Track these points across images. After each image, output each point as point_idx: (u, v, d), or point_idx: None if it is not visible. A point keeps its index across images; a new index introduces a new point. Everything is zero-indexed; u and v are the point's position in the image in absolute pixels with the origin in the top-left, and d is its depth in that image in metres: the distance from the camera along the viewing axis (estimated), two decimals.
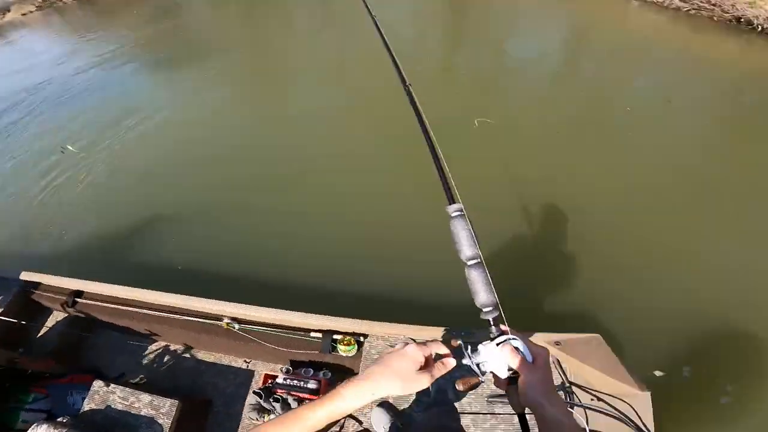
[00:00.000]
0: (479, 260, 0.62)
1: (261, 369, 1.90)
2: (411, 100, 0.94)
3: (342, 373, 1.74)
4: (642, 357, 2.32)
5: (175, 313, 1.77)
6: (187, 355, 1.97)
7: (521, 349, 0.56)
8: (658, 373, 2.25)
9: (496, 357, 0.56)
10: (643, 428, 1.18)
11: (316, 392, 1.60)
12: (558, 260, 2.91)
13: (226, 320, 1.72)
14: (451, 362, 0.57)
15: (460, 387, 0.60)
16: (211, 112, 5.18)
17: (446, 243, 0.67)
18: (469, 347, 0.59)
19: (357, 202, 3.42)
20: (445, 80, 5.68)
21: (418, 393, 1.47)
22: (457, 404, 1.43)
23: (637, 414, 1.23)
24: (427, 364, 0.56)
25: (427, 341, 0.58)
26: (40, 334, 1.99)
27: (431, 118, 0.92)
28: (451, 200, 0.68)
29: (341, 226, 3.21)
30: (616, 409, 1.26)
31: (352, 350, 1.62)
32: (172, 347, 1.98)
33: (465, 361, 0.59)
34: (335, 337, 1.65)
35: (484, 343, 0.59)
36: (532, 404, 0.55)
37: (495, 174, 3.52)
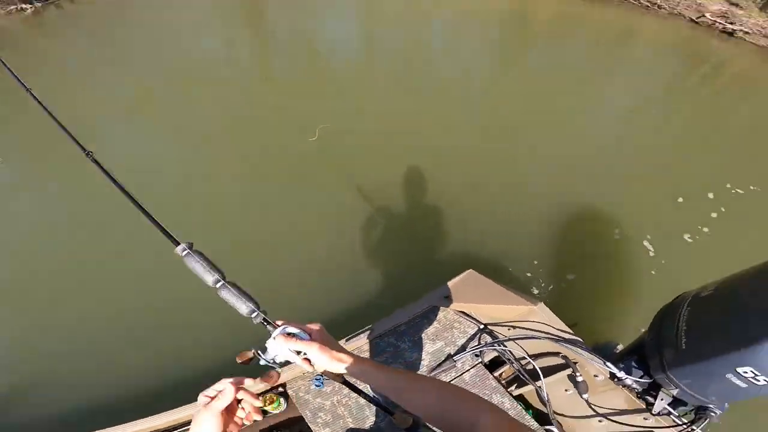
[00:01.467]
0: (222, 281, 0.66)
1: None
2: (100, 167, 0.91)
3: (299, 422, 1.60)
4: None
5: None
6: None
7: (296, 332, 0.64)
8: (570, 276, 2.79)
9: (281, 348, 0.62)
10: (557, 332, 1.40)
11: None
12: (409, 224, 3.14)
13: None
14: (226, 395, 0.56)
15: (265, 380, 0.65)
16: None
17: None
18: (260, 351, 0.65)
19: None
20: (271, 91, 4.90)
21: None
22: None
23: (547, 324, 1.45)
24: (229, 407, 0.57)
25: (209, 399, 0.56)
26: None
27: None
28: (176, 243, 0.70)
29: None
30: (531, 329, 1.48)
31: (280, 406, 1.49)
32: None
33: (261, 362, 0.64)
34: None
35: (267, 341, 0.64)
36: (328, 369, 0.64)
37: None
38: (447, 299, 1.63)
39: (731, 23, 7.89)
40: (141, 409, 1.48)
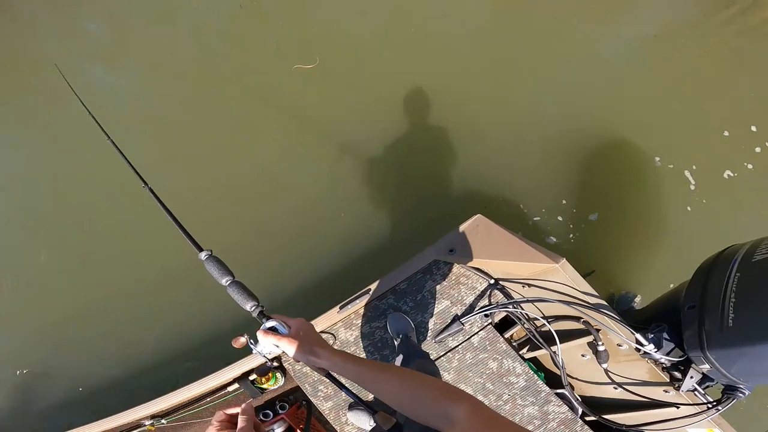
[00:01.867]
0: (232, 279, 0.77)
1: None
2: (157, 199, 0.96)
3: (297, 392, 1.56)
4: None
5: None
6: None
7: (276, 327, 0.69)
8: (592, 217, 2.53)
9: (264, 341, 0.68)
10: (581, 295, 1.22)
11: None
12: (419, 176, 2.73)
13: (148, 424, 1.48)
14: (246, 414, 0.59)
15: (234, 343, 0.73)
16: None
17: None
18: (252, 339, 0.73)
19: None
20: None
21: None
22: None
23: (569, 285, 1.22)
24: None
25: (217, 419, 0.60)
26: None
27: None
28: (199, 249, 0.82)
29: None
30: (549, 290, 1.29)
31: (276, 381, 1.47)
32: None
33: (254, 352, 0.72)
34: (251, 378, 1.47)
35: (258, 332, 0.71)
36: (306, 363, 0.68)
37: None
38: (452, 252, 1.39)
39: None
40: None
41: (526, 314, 1.40)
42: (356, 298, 1.43)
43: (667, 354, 1.11)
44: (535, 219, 2.53)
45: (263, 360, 0.73)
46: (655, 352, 1.11)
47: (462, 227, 1.44)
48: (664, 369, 1.18)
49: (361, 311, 1.47)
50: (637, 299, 2.20)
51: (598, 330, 1.26)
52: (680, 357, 1.11)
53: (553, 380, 1.48)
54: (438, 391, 0.57)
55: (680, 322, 1.08)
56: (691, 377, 1.10)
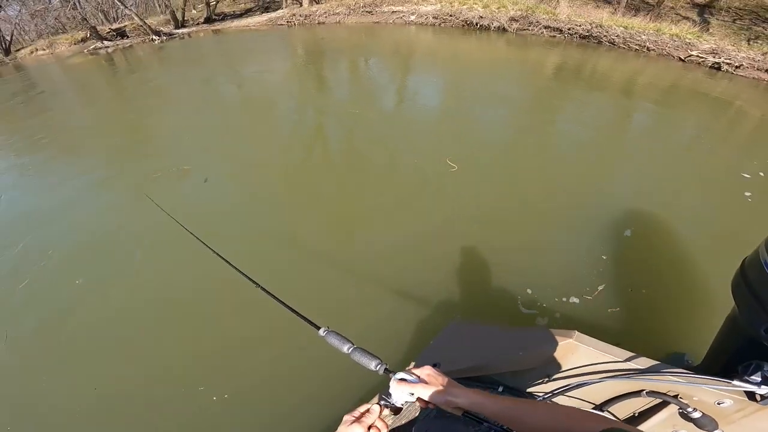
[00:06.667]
0: (353, 346, 0.83)
1: None
2: (267, 293, 1.02)
3: None
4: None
5: None
6: None
7: (406, 377, 0.75)
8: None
9: (398, 391, 0.73)
10: (621, 363, 1.07)
11: None
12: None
13: None
14: (374, 413, 0.71)
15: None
16: None
17: None
18: (384, 395, 0.75)
19: None
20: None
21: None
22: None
23: (598, 358, 1.09)
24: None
25: (359, 415, 0.70)
26: None
27: None
28: (317, 327, 0.89)
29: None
30: (576, 374, 1.13)
31: None
32: None
33: (387, 404, 0.75)
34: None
35: (390, 388, 0.75)
36: (443, 405, 0.72)
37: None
38: (437, 366, 1.05)
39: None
40: None
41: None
42: None
43: None
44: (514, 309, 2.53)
45: (396, 408, 0.75)
46: None
47: (437, 338, 1.31)
48: None
49: None
50: (686, 357, 1.90)
51: (675, 396, 1.04)
52: None
53: None
54: (582, 419, 0.63)
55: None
56: None
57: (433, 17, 12.99)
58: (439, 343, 1.25)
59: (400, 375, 0.74)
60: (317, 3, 16.17)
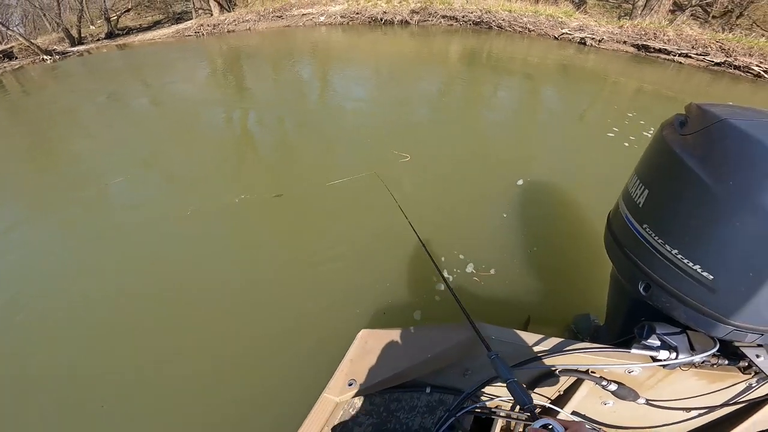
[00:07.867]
0: (513, 379, 0.83)
1: None
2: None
3: None
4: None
5: None
6: None
7: (553, 425, 0.71)
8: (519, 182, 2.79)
9: None
10: (528, 346, 1.06)
11: None
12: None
13: None
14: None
15: None
16: None
17: None
18: None
19: None
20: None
21: None
22: None
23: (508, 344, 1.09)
24: None
25: None
26: None
27: None
28: (488, 348, 0.92)
29: None
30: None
31: None
32: None
33: None
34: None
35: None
36: None
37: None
38: (351, 385, 1.07)
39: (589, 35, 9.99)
40: None
41: (496, 409, 1.20)
42: None
43: (690, 349, 0.88)
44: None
45: None
46: (675, 356, 0.89)
47: (350, 354, 1.20)
48: (713, 366, 0.94)
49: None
50: (592, 317, 1.80)
51: (586, 371, 1.05)
52: (714, 348, 0.88)
53: None
54: None
55: (657, 310, 0.91)
56: (759, 356, 0.87)
57: (341, 16, 13.49)
58: (354, 354, 1.18)
59: (543, 421, 0.71)
60: (227, 11, 15.97)
